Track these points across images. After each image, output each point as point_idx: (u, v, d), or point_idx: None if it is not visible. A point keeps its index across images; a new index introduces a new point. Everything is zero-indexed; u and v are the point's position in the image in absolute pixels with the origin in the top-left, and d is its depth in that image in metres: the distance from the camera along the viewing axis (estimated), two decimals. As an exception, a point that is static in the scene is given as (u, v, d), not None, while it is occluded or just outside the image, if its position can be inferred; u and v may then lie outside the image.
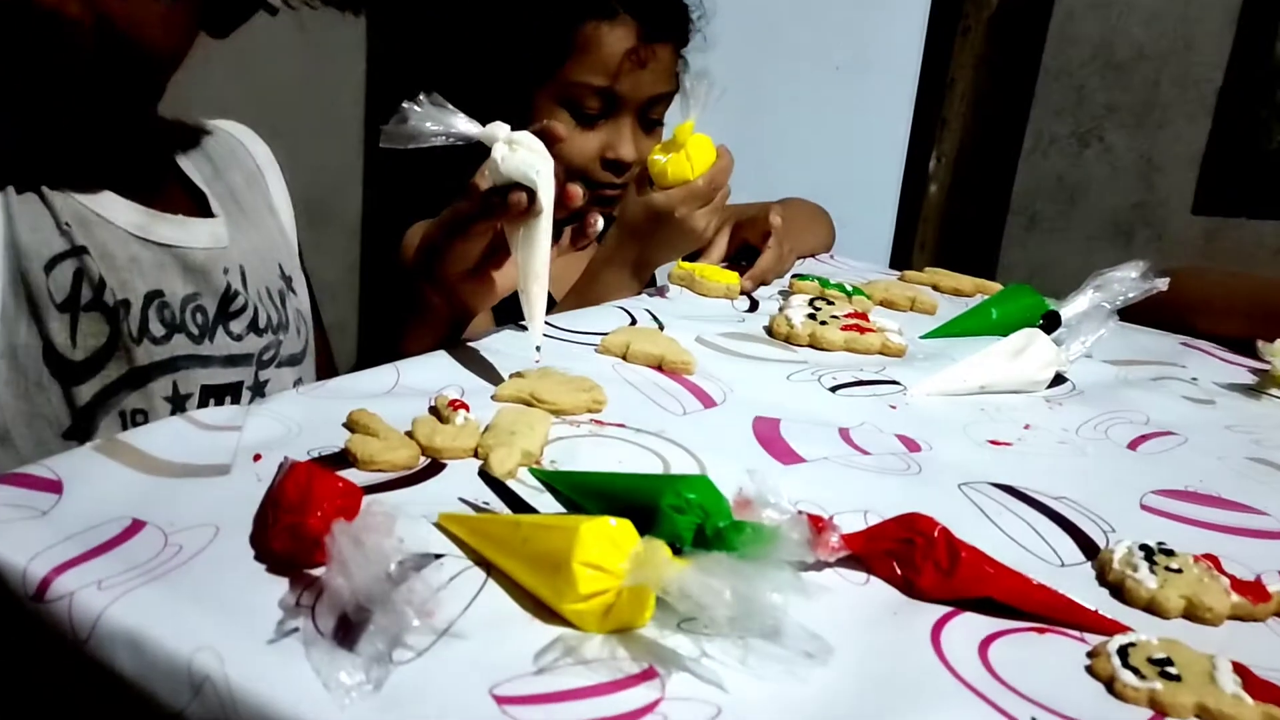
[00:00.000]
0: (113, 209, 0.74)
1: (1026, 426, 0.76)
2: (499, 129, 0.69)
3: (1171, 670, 0.45)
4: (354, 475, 0.56)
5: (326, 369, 0.96)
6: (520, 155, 0.69)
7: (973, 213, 2.57)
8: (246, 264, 0.82)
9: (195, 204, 0.82)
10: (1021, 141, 2.65)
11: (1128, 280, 0.85)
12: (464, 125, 0.67)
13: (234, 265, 0.81)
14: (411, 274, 0.81)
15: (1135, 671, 0.45)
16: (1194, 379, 0.92)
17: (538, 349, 0.72)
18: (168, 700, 0.41)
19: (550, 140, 0.71)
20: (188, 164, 0.85)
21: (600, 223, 0.76)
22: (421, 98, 0.66)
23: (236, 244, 0.82)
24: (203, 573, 0.46)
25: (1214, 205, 2.44)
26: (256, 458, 0.56)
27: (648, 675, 0.42)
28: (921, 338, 0.95)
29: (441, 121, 0.66)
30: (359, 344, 2.03)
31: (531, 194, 0.69)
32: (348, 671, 0.40)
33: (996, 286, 1.14)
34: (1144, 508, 0.64)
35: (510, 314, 0.86)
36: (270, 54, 1.86)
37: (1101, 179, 2.57)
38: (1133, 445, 0.75)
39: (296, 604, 0.44)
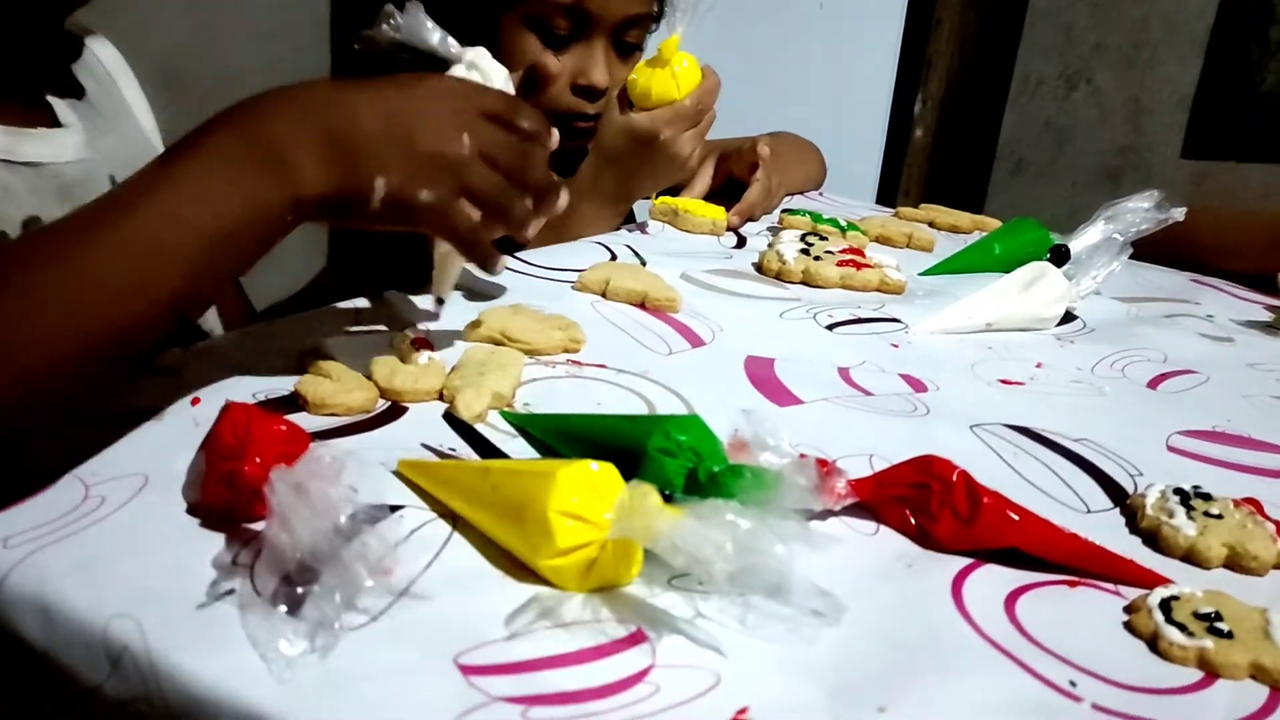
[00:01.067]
0: None
1: (1038, 365, 0.71)
2: (469, 51, 0.62)
3: (1221, 626, 0.40)
4: (304, 420, 0.50)
5: (240, 309, 0.89)
6: (467, 77, 0.62)
7: (959, 158, 2.51)
8: (117, 174, 0.74)
9: (46, 115, 0.73)
10: (1009, 84, 2.59)
11: (1141, 211, 0.79)
12: (436, 40, 0.61)
13: (103, 177, 0.73)
14: None
15: (1181, 628, 0.40)
16: (1209, 316, 0.88)
17: (439, 301, 0.65)
18: (83, 674, 0.36)
19: (540, 80, 0.64)
20: (33, 71, 0.76)
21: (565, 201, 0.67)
22: (408, 5, 0.59)
23: (101, 153, 0.74)
24: (126, 528, 0.41)
25: (1203, 149, 2.39)
26: (195, 402, 0.51)
27: (636, 639, 0.37)
28: (921, 274, 0.90)
29: (416, 35, 0.60)
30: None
31: None
32: (289, 639, 0.35)
33: (995, 223, 1.08)
34: (1171, 449, 0.59)
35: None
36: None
37: (1089, 122, 2.51)
38: (1152, 384, 0.70)
39: (233, 562, 0.39)
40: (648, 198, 0.95)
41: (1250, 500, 0.50)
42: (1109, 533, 0.49)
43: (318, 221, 0.52)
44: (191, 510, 0.42)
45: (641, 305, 0.73)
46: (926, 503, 0.46)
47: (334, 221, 0.52)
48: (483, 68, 0.62)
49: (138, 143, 0.80)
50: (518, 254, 0.80)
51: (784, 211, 1.01)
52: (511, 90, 0.63)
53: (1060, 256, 0.80)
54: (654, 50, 0.88)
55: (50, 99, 0.73)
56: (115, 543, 0.39)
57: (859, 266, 0.84)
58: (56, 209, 0.68)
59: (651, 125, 0.87)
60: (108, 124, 0.77)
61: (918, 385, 0.65)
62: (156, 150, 0.82)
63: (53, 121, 0.72)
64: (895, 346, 0.72)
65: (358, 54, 0.57)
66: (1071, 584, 0.44)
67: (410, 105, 0.53)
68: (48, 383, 0.46)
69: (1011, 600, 0.42)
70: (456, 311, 0.67)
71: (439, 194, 0.52)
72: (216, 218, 0.49)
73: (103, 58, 0.82)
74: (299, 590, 0.37)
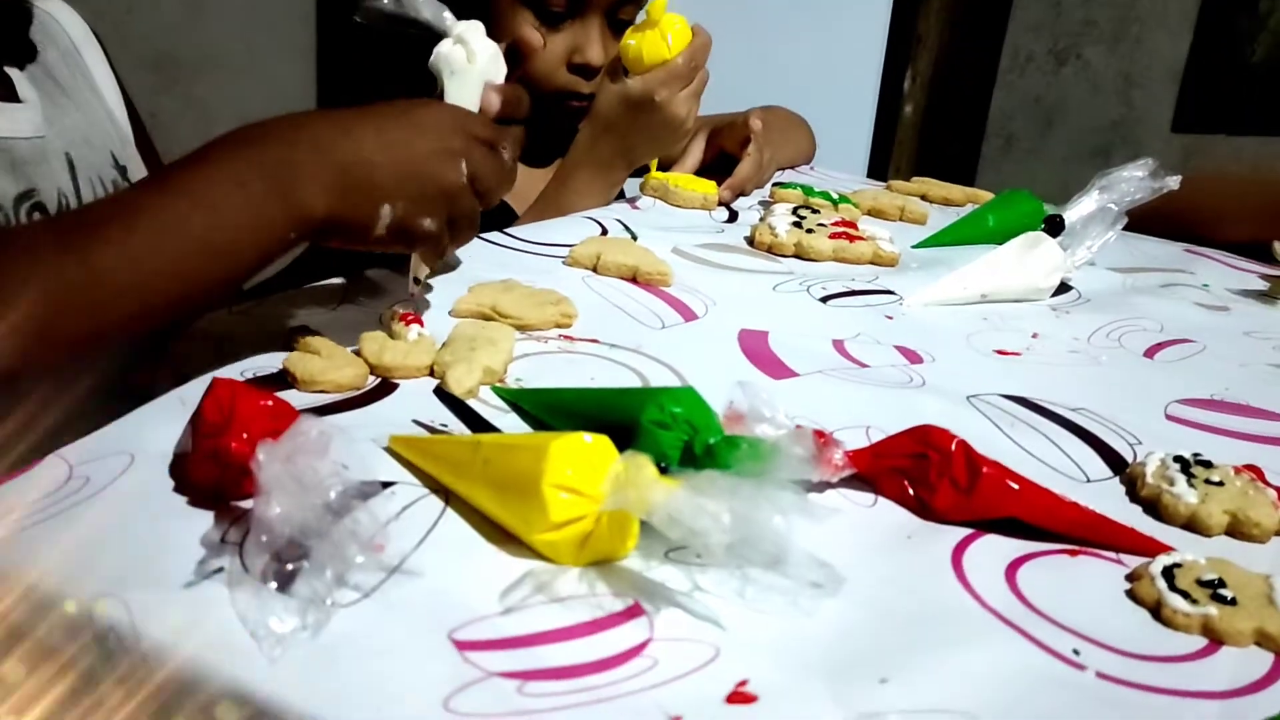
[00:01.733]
0: None
1: (1034, 335, 0.70)
2: (460, 25, 0.61)
3: (1225, 593, 0.40)
4: (294, 397, 0.50)
5: None
6: (450, 50, 0.61)
7: (948, 135, 2.50)
8: (74, 151, 0.73)
9: (4, 89, 0.71)
10: (998, 60, 2.57)
11: (1135, 180, 0.78)
12: (429, 13, 0.59)
13: (59, 154, 0.72)
14: None
15: (1184, 595, 0.40)
16: (1205, 285, 0.87)
17: (416, 281, 0.64)
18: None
19: (524, 54, 0.63)
20: None
21: None
22: None
23: (58, 129, 0.73)
24: (112, 508, 0.40)
25: (1193, 122, 2.38)
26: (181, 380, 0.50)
27: (633, 613, 0.37)
28: (914, 247, 0.89)
29: (411, 6, 0.59)
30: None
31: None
32: (280, 617, 0.35)
33: (988, 195, 1.08)
34: (1170, 418, 0.59)
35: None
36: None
37: (1079, 98, 2.50)
38: (1149, 353, 0.70)
39: (221, 540, 0.38)
40: (645, 167, 0.94)
41: (1251, 467, 0.50)
42: (1109, 501, 0.48)
43: (320, 243, 0.54)
44: (179, 489, 0.41)
45: (633, 280, 0.72)
46: (925, 473, 0.45)
47: (336, 243, 0.54)
48: (470, 43, 0.61)
49: (100, 120, 0.79)
50: (508, 229, 0.79)
51: (775, 185, 1.00)
52: (501, 66, 0.62)
53: (1055, 227, 0.79)
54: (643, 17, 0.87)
55: (10, 72, 0.71)
56: (100, 523, 0.39)
57: (852, 239, 0.83)
58: (9, 185, 0.67)
59: (646, 87, 0.86)
60: (69, 100, 0.75)
61: (913, 357, 0.64)
62: (121, 128, 0.81)
63: (11, 96, 0.70)
64: (890, 318, 0.71)
65: (353, 25, 0.56)
66: (1073, 553, 0.44)
67: (413, 136, 0.54)
68: (34, 370, 0.46)
69: (1012, 570, 0.42)
70: (446, 287, 0.66)
71: (438, 221, 0.55)
72: (221, 230, 0.50)
73: (69, 30, 0.80)
74: (289, 567, 0.36)
